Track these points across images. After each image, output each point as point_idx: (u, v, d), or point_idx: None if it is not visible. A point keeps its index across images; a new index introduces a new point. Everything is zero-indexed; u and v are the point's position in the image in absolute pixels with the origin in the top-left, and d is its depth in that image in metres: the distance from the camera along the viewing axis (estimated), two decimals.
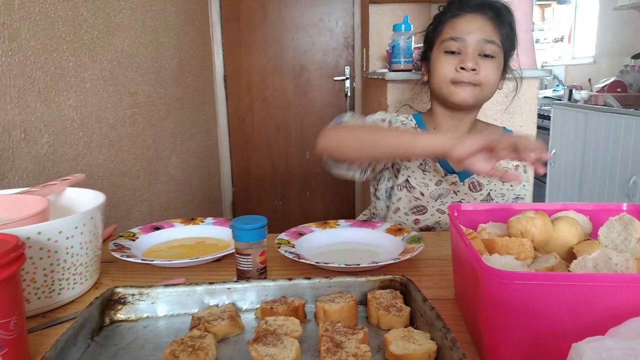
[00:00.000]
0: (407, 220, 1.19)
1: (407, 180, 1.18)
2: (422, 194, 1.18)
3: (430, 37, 1.15)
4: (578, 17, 4.34)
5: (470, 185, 1.18)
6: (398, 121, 1.20)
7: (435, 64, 1.10)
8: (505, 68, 1.13)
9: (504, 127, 1.25)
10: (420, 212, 1.19)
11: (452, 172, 1.17)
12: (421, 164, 1.18)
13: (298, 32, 3.40)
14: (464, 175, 1.18)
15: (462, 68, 1.05)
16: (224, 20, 3.36)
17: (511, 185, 1.20)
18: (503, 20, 1.08)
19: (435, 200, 1.18)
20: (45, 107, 1.35)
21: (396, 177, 1.20)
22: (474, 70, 1.05)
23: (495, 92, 1.13)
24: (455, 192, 1.18)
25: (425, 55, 1.17)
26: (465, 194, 1.18)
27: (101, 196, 0.81)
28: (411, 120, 1.21)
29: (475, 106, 1.14)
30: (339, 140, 0.99)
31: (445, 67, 1.08)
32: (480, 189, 1.18)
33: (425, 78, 1.18)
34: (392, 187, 1.21)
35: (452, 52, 1.07)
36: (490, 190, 1.19)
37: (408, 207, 1.19)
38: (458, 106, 1.11)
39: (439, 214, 1.19)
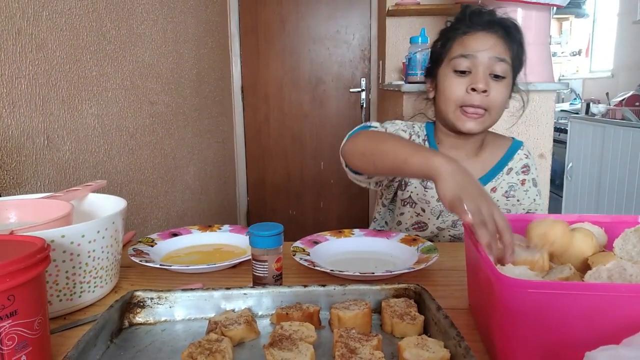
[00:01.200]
0: (406, 232, 1.19)
1: (410, 196, 1.17)
2: (424, 210, 1.16)
3: (438, 54, 1.11)
4: (596, 31, 4.31)
5: None
6: (414, 132, 1.18)
7: (443, 83, 1.07)
8: (513, 87, 1.11)
9: (513, 138, 1.21)
10: (421, 229, 1.18)
11: None
12: (423, 180, 1.15)
13: (315, 44, 3.44)
14: None
15: (472, 89, 1.02)
16: (242, 32, 3.41)
17: (518, 200, 1.15)
18: (513, 39, 1.06)
19: (437, 218, 1.16)
20: (68, 115, 1.39)
21: (402, 190, 1.18)
22: (484, 92, 1.02)
23: (503, 113, 1.10)
24: None
25: (431, 72, 1.14)
26: None
27: (122, 202, 0.83)
28: (422, 130, 1.19)
29: (482, 133, 1.11)
30: (352, 148, 0.97)
31: (454, 90, 1.05)
32: None
33: (432, 95, 1.14)
34: (397, 200, 1.20)
35: (463, 72, 1.04)
36: None
37: (410, 223, 1.18)
38: (463, 134, 1.08)
39: (437, 230, 1.18)
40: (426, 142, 1.18)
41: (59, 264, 0.68)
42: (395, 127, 1.15)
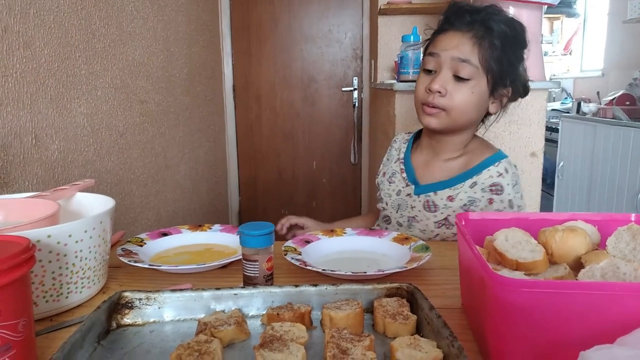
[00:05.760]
0: (382, 227, 1.23)
1: (379, 194, 1.24)
2: (387, 204, 1.20)
3: (424, 51, 1.13)
4: (587, 30, 4.34)
5: (425, 204, 1.11)
6: (397, 142, 1.27)
7: (417, 81, 1.10)
8: (497, 89, 1.06)
9: (497, 151, 1.11)
10: (387, 222, 1.21)
11: (413, 182, 1.16)
12: (390, 177, 1.21)
13: (307, 43, 3.43)
14: (420, 188, 1.13)
15: (429, 89, 1.03)
16: (234, 30, 3.39)
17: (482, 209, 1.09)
18: (491, 41, 1.01)
19: (397, 212, 1.17)
20: (56, 113, 1.37)
21: (377, 190, 1.26)
22: (440, 92, 1.02)
23: (480, 115, 1.08)
24: (411, 207, 1.14)
25: None
26: (419, 211, 1.12)
27: (111, 201, 0.82)
28: (405, 138, 1.26)
29: (446, 131, 1.09)
30: None
31: (418, 87, 1.07)
32: (436, 211, 1.10)
33: None
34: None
35: (429, 71, 1.05)
36: (449, 215, 1.09)
37: (381, 217, 1.23)
38: (435, 133, 1.10)
39: (397, 226, 1.18)
40: (401, 150, 1.24)
41: (45, 264, 0.67)
42: (390, 151, 1.28)
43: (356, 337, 0.56)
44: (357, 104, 3.49)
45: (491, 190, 1.05)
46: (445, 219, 1.10)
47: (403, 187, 1.17)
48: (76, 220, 0.69)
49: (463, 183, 1.07)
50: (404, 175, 1.18)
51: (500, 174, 1.05)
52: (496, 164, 1.07)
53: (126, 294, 0.66)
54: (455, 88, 1.02)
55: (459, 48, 1.01)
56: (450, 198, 1.08)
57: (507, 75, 1.05)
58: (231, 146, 3.51)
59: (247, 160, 3.59)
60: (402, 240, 0.95)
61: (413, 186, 1.15)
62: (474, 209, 1.06)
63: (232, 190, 3.56)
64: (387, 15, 2.76)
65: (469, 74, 1.01)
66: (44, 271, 0.67)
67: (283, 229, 1.26)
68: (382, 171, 1.27)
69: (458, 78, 1.02)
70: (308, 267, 0.80)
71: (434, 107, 1.04)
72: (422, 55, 1.16)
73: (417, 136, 1.25)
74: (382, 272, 0.78)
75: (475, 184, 1.06)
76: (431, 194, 1.11)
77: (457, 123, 1.06)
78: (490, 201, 1.06)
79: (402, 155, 1.22)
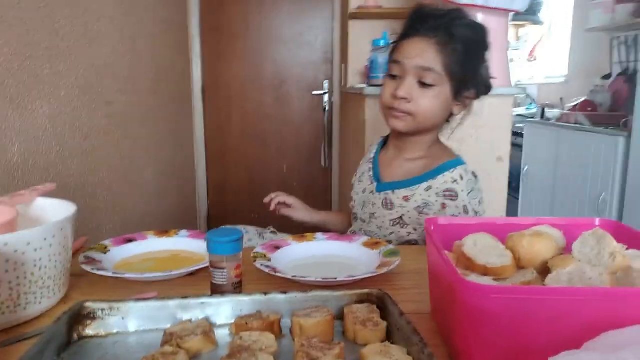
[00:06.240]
0: (353, 225, 1.26)
1: (350, 193, 1.28)
2: (355, 202, 1.24)
3: (389, 57, 1.14)
4: (551, 38, 4.46)
5: (384, 201, 1.13)
6: (373, 145, 1.30)
7: (383, 86, 1.12)
8: (460, 92, 1.08)
9: (458, 157, 1.13)
10: (355, 219, 1.25)
11: (377, 180, 1.19)
12: (360, 176, 1.25)
13: (278, 45, 3.42)
14: (381, 186, 1.16)
15: (395, 96, 1.06)
16: (204, 31, 3.35)
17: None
18: (453, 46, 1.03)
19: (362, 209, 1.21)
20: (17, 114, 1.32)
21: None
22: (405, 99, 1.05)
23: (444, 117, 1.11)
24: (372, 204, 1.16)
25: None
26: (378, 208, 1.14)
27: (72, 207, 0.79)
28: (379, 142, 1.29)
29: (413, 134, 1.12)
30: None
31: (385, 93, 1.10)
32: (392, 209, 1.12)
33: None
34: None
35: (394, 77, 1.08)
36: (403, 215, 1.10)
37: (352, 215, 1.27)
38: (401, 134, 1.13)
39: (361, 222, 1.21)
40: (372, 151, 1.27)
41: (0, 275, 0.63)
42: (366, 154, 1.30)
43: (326, 346, 0.55)
44: (327, 108, 3.49)
45: (445, 195, 1.06)
46: (400, 217, 1.11)
47: (368, 185, 1.21)
48: (35, 228, 0.66)
49: (419, 185, 1.09)
50: (371, 173, 1.22)
51: (455, 180, 1.07)
52: (452, 170, 1.07)
53: (88, 304, 0.63)
54: (420, 94, 1.05)
55: (423, 56, 1.03)
56: (406, 198, 1.10)
57: (470, 79, 1.07)
58: (199, 148, 3.46)
59: (216, 163, 3.54)
60: (372, 244, 0.95)
61: (376, 183, 1.19)
62: (427, 211, 1.07)
63: (200, 193, 3.51)
64: (357, 19, 2.77)
65: (433, 81, 1.04)
66: (0, 282, 0.64)
67: (272, 205, 1.30)
68: (357, 172, 1.31)
69: (423, 84, 1.04)
70: (278, 274, 0.79)
71: (400, 112, 1.07)
72: (388, 60, 1.17)
73: (386, 139, 1.29)
74: (352, 278, 0.78)
75: (430, 187, 1.08)
76: (389, 192, 1.13)
77: (422, 126, 1.10)
78: (444, 206, 1.06)
79: (372, 155, 1.26)
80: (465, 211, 1.06)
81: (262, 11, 3.37)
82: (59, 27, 1.53)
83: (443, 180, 1.07)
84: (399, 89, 1.05)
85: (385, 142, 1.27)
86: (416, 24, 1.07)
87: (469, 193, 1.07)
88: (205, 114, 3.46)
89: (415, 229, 1.10)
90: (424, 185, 1.08)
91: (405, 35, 1.09)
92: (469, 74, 1.06)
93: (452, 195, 1.06)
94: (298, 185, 3.57)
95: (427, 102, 1.05)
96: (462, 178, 1.07)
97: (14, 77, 1.30)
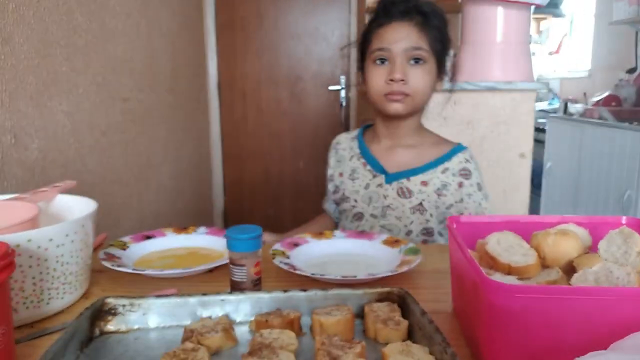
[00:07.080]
0: (352, 226, 1.22)
1: (343, 194, 1.25)
2: (356, 201, 1.22)
3: (362, 48, 1.17)
4: (574, 31, 4.38)
5: (399, 190, 1.16)
6: (343, 143, 1.30)
7: (368, 76, 1.13)
8: (441, 69, 1.15)
9: (458, 144, 1.20)
10: (359, 219, 1.22)
11: (382, 172, 1.18)
12: (351, 174, 1.24)
13: (293, 40, 3.41)
14: (391, 177, 1.17)
15: (391, 80, 1.08)
16: (219, 26, 3.35)
17: (456, 202, 1.14)
18: (430, 25, 1.10)
19: (369, 205, 1.19)
20: (36, 112, 1.33)
21: (336, 193, 1.28)
22: (402, 80, 1.07)
23: (432, 95, 1.16)
24: (384, 197, 1.17)
25: (360, 66, 1.20)
26: (394, 198, 1.16)
27: (93, 204, 0.79)
28: (354, 137, 1.29)
29: (410, 115, 1.15)
30: None
31: (376, 80, 1.11)
32: (410, 196, 1.15)
33: (364, 87, 1.19)
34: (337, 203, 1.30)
35: (382, 62, 1.10)
36: (423, 200, 1.14)
37: (350, 216, 1.23)
38: (393, 117, 1.14)
39: (372, 219, 1.19)
40: (353, 148, 1.26)
41: (25, 270, 0.64)
42: (336, 153, 1.31)
43: (347, 344, 0.55)
44: (344, 104, 3.47)
45: (461, 174, 1.14)
46: (420, 204, 1.15)
47: (371, 180, 1.20)
48: (57, 224, 0.67)
49: (435, 169, 1.15)
50: (369, 168, 1.21)
51: (467, 160, 1.16)
52: (463, 151, 1.17)
53: (109, 300, 0.64)
54: (413, 74, 1.09)
55: (410, 37, 1.08)
56: (424, 183, 1.15)
57: (447, 53, 1.14)
58: (216, 145, 3.47)
59: (232, 160, 3.55)
60: (392, 242, 0.94)
61: (383, 176, 1.18)
62: (445, 192, 1.14)
63: (216, 190, 3.52)
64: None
65: (423, 58, 1.09)
66: (24, 277, 0.64)
67: None
68: (337, 172, 1.28)
69: (413, 64, 1.09)
70: (297, 272, 0.79)
71: (398, 94, 1.09)
72: (357, 50, 1.22)
73: (362, 133, 1.30)
74: (372, 276, 0.77)
75: (447, 169, 1.15)
76: (404, 180, 1.16)
77: (418, 105, 1.14)
78: (460, 185, 1.14)
79: (357, 152, 1.25)
80: (479, 188, 1.15)
81: (277, 6, 3.36)
82: (77, 24, 1.54)
83: (458, 161, 1.15)
84: (394, 72, 1.07)
85: (362, 134, 1.28)
86: (389, 9, 1.11)
87: (479, 172, 1.17)
88: (221, 111, 3.47)
89: (432, 215, 1.15)
90: (440, 167, 1.15)
91: (380, 23, 1.12)
92: (446, 48, 1.14)
93: (466, 174, 1.15)
94: (314, 182, 3.56)
95: (420, 80, 1.09)
96: (472, 158, 1.17)
97: (34, 74, 1.32)
